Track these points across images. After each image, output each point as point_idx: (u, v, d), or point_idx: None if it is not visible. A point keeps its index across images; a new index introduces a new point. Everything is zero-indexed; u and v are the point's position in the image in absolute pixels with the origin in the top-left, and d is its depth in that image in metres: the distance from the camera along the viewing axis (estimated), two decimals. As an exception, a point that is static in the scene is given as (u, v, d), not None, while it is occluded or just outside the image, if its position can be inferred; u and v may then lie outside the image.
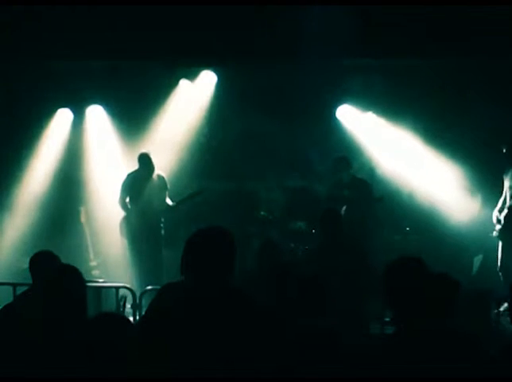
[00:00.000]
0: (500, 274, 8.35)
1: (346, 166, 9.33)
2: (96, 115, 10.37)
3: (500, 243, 8.45)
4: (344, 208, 9.00)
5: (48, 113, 10.24)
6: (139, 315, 7.13)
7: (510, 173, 8.46)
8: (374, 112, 10.06)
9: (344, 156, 9.52)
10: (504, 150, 8.46)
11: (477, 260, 9.27)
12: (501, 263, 8.37)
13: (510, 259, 8.29)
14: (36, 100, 9.86)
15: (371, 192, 9.24)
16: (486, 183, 9.26)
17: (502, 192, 8.57)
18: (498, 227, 8.48)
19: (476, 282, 8.74)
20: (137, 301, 7.39)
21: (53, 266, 4.85)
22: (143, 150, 9.29)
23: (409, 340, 3.40)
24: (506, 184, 8.48)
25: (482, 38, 8.38)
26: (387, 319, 6.42)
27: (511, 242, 8.33)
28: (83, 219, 10.19)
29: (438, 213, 9.49)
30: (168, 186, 9.28)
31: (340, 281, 6.03)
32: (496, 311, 6.85)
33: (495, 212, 8.54)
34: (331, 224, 6.88)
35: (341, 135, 10.17)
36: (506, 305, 6.52)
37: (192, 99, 10.27)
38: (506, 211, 8.42)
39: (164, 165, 9.57)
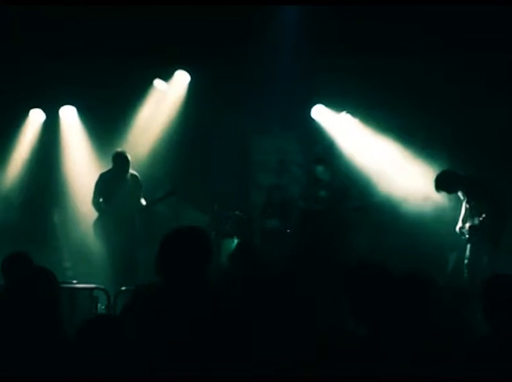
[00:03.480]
0: (466, 271, 8.34)
1: (323, 167, 9.34)
2: (69, 116, 10.30)
3: (468, 246, 8.41)
4: (319, 208, 9.02)
5: (20, 114, 10.15)
6: (113, 316, 7.08)
7: (466, 197, 8.33)
8: (348, 112, 10.08)
9: (322, 156, 9.52)
10: (460, 194, 8.35)
11: (452, 257, 9.30)
12: (468, 262, 8.35)
13: (476, 262, 8.24)
14: (8, 101, 9.76)
15: (347, 195, 9.26)
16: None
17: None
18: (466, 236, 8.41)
19: (452, 278, 8.77)
20: (112, 302, 7.35)
21: (26, 267, 4.81)
22: (118, 149, 9.22)
23: (382, 342, 3.39)
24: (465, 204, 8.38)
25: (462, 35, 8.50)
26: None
27: (478, 247, 8.24)
28: (56, 220, 10.11)
29: (410, 210, 9.47)
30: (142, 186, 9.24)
31: (315, 279, 6.04)
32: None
33: (457, 229, 8.43)
34: (308, 226, 6.90)
35: (316, 134, 10.18)
36: None
37: (166, 98, 10.28)
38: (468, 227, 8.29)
39: (138, 164, 9.52)
